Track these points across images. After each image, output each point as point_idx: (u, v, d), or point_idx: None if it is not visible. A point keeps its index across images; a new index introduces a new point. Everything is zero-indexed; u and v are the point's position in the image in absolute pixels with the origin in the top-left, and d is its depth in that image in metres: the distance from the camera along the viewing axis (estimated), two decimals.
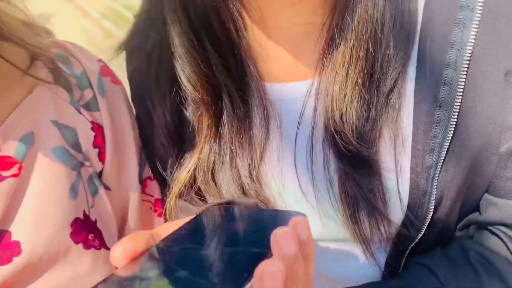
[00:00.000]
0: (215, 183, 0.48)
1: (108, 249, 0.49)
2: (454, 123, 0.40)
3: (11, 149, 0.41)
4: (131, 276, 0.27)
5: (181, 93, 0.47)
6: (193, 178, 0.49)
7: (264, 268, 0.24)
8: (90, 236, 0.47)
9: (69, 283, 0.45)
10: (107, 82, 0.53)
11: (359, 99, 0.41)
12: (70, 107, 0.47)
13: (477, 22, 0.39)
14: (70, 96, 0.48)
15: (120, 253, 0.28)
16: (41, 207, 0.43)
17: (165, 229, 0.33)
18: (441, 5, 0.40)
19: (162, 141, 0.50)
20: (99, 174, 0.52)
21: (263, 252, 0.27)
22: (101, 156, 0.51)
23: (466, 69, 0.39)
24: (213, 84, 0.44)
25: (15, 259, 0.40)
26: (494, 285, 0.44)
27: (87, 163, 0.49)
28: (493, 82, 0.40)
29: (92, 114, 0.49)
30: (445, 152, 0.41)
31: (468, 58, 0.39)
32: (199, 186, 0.49)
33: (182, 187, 0.49)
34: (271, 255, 0.27)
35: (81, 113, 0.48)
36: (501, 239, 0.45)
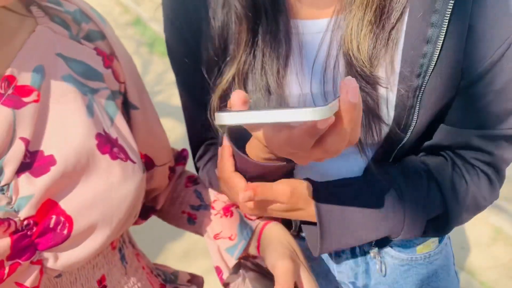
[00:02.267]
0: (246, 90, 0.61)
1: (134, 162, 0.55)
2: (437, 56, 0.53)
3: (27, 79, 0.47)
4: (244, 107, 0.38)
5: (229, 11, 0.59)
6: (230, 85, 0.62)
7: (347, 82, 0.35)
8: (115, 149, 0.53)
9: (104, 193, 0.51)
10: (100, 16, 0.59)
11: (371, 33, 0.54)
12: (70, 41, 0.53)
13: None
14: (69, 31, 0.53)
15: (236, 96, 0.38)
16: (64, 124, 0.49)
17: None
18: None
19: (211, 51, 0.62)
20: (124, 94, 0.59)
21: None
22: (116, 75, 0.57)
23: (449, 13, 0.51)
24: (256, 4, 0.57)
25: (52, 168, 0.47)
26: (434, 189, 0.61)
27: (102, 86, 0.55)
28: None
29: (94, 43, 0.55)
30: (428, 77, 0.54)
31: (451, 5, 0.50)
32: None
33: (222, 92, 0.62)
34: None
35: (82, 44, 0.54)
36: (444, 157, 0.64)
